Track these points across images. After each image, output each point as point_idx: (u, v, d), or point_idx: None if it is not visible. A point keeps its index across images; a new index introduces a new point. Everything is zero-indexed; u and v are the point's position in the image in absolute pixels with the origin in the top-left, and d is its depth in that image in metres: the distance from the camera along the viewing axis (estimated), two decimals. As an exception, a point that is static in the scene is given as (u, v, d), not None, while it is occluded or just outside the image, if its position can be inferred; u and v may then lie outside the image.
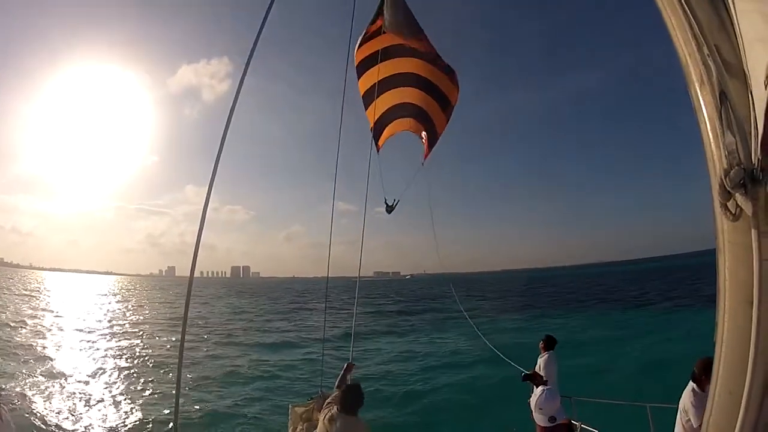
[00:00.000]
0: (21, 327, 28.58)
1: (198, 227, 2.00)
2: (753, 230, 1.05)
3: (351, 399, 3.85)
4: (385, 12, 7.50)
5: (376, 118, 8.73)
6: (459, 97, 8.77)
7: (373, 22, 7.77)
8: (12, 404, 12.00)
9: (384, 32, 7.76)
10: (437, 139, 9.28)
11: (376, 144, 9.31)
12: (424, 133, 9.37)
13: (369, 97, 8.66)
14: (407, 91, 8.65)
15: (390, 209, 9.90)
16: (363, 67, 8.43)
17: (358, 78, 8.58)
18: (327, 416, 3.85)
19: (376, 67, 8.22)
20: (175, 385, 2.48)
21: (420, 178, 10.01)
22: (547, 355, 7.27)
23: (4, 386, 14.24)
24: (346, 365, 5.19)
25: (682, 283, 59.00)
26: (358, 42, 8.06)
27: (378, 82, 8.26)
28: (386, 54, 7.96)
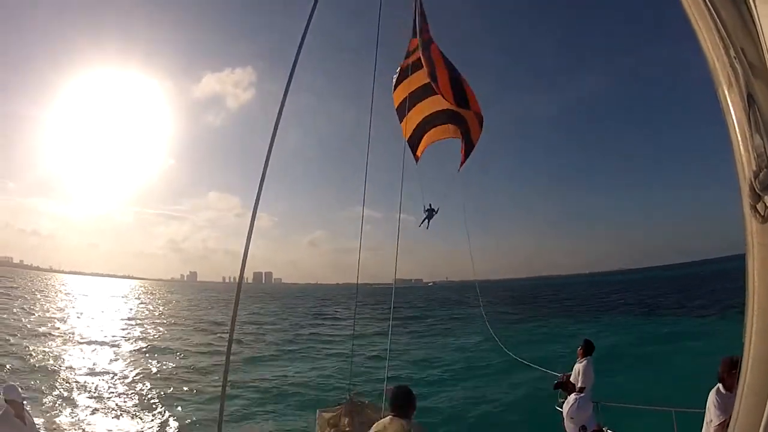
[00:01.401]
0: (48, 335, 28.43)
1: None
2: None
3: (403, 399, 3.67)
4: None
5: (414, 127, 8.80)
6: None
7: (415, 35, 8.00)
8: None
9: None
10: (473, 146, 9.22)
11: (414, 154, 9.39)
12: (462, 140, 9.30)
13: (403, 108, 8.80)
14: (440, 99, 8.59)
15: (429, 218, 9.85)
16: (401, 77, 8.63)
17: (394, 89, 8.78)
18: (382, 422, 3.65)
19: (412, 75, 8.36)
20: (220, 392, 2.56)
21: (446, 186, 10.01)
22: (585, 361, 7.03)
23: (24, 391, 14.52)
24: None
25: (705, 290, 57.32)
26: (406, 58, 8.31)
27: (413, 91, 8.37)
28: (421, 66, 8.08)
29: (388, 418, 3.59)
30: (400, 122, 8.87)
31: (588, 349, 7.17)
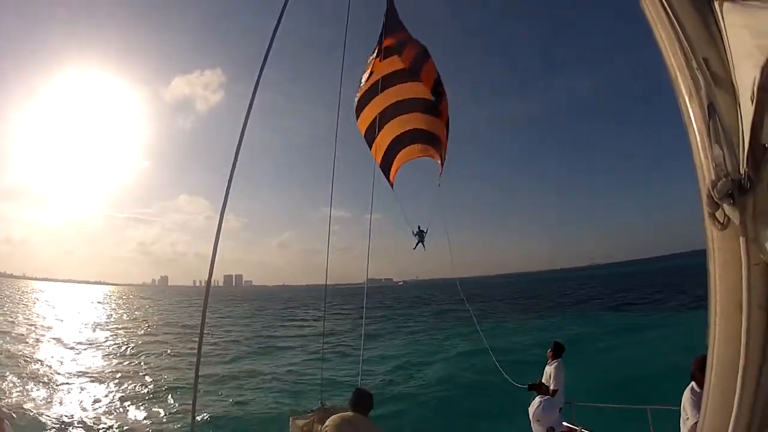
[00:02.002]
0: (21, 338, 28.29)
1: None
2: (741, 237, 1.10)
3: (365, 400, 4.08)
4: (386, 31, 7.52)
5: (383, 152, 8.71)
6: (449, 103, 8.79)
7: (376, 55, 7.70)
8: (13, 416, 11.91)
9: (380, 59, 7.68)
10: (445, 156, 9.23)
11: (388, 179, 9.35)
12: (437, 156, 9.29)
13: (371, 134, 8.70)
14: (407, 118, 8.63)
15: (421, 239, 9.80)
16: (361, 104, 8.45)
17: (357, 117, 8.60)
18: (340, 415, 4.01)
19: (373, 101, 8.26)
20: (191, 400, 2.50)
21: (425, 192, 9.99)
22: (556, 363, 7.15)
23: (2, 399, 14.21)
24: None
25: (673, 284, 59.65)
26: (360, 81, 8.07)
27: (378, 115, 8.25)
28: (385, 83, 7.97)
29: (350, 414, 3.99)
30: (370, 148, 8.80)
31: (558, 351, 7.30)
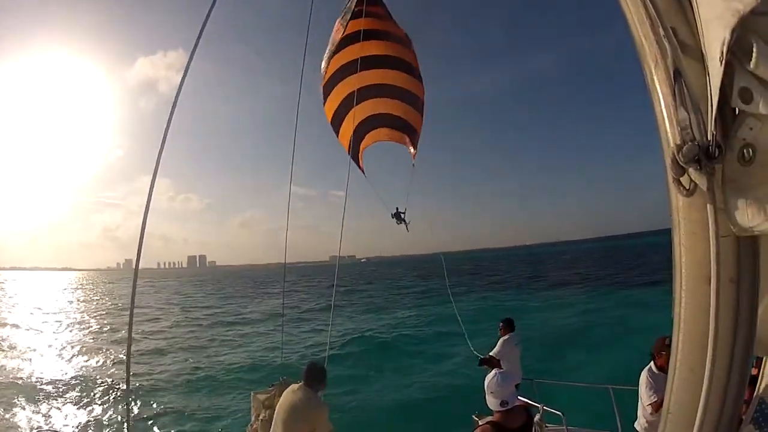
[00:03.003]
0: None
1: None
2: (709, 206, 1.05)
3: (315, 374, 4.03)
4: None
5: (349, 138, 8.52)
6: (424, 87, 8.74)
7: (344, 27, 7.44)
8: None
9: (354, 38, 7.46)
10: (419, 135, 9.15)
11: (358, 165, 9.17)
12: (407, 139, 9.20)
13: (337, 120, 8.50)
14: (377, 102, 8.48)
15: (400, 220, 9.66)
16: (329, 86, 8.22)
17: (324, 101, 8.40)
18: (291, 388, 4.05)
19: (340, 84, 8.03)
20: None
21: (395, 173, 9.92)
22: (507, 337, 7.20)
23: None
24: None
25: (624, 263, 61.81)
26: (326, 57, 7.79)
27: (344, 99, 8.06)
28: (364, 64, 7.56)
29: (297, 385, 4.01)
30: (337, 135, 8.66)
31: (509, 326, 7.35)
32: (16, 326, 29.27)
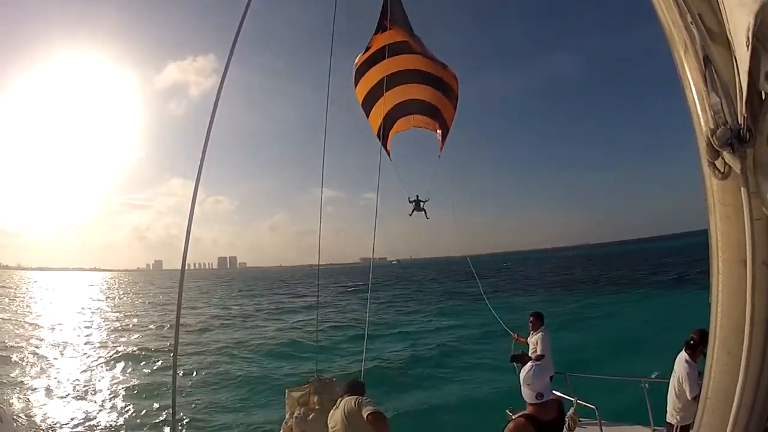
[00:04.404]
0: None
1: (186, 220, 1.99)
2: (743, 189, 1.06)
3: (357, 387, 4.21)
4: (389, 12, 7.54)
5: (380, 122, 8.65)
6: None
7: (376, 32, 7.80)
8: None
9: (386, 30, 7.75)
10: (449, 129, 9.20)
11: (385, 147, 9.19)
12: (438, 129, 9.25)
13: (369, 104, 8.62)
14: (411, 87, 8.55)
15: (418, 208, 9.66)
16: (361, 71, 8.38)
17: (356, 85, 8.53)
18: (345, 400, 4.02)
19: (374, 68, 8.16)
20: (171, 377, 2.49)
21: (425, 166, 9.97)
22: (541, 332, 7.23)
23: None
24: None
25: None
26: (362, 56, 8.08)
27: (377, 83, 8.19)
28: (388, 52, 7.81)
29: (353, 397, 4.02)
30: (367, 116, 8.75)
31: (540, 320, 7.36)
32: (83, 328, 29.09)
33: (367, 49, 7.99)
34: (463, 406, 12.17)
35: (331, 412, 4.15)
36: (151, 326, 29.17)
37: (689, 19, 1.22)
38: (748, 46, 1.00)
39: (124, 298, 60.68)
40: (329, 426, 4.08)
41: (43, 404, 13.33)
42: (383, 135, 8.78)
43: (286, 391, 5.52)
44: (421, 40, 8.27)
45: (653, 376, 6.06)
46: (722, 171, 1.10)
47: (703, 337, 4.44)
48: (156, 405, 13.03)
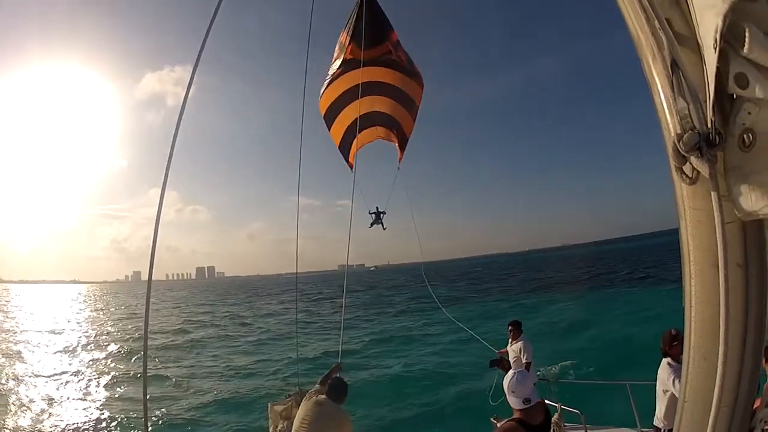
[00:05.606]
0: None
1: (162, 230, 1.93)
2: (713, 193, 1.05)
3: (339, 389, 4.17)
4: (354, 26, 7.51)
5: (342, 134, 8.70)
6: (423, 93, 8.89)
7: (344, 46, 7.77)
8: None
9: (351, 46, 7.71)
10: (407, 140, 9.35)
11: (347, 161, 9.25)
12: (396, 140, 9.38)
13: (331, 115, 8.64)
14: (370, 100, 8.52)
15: (378, 220, 9.81)
16: (327, 84, 8.38)
17: (321, 96, 8.57)
18: (314, 400, 4.09)
19: (337, 80, 8.16)
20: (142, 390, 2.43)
21: (387, 177, 10.09)
22: (522, 341, 7.32)
23: None
24: (334, 365, 5.38)
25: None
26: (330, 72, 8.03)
27: (338, 96, 8.24)
28: (353, 65, 7.82)
29: (322, 397, 4.11)
30: (329, 130, 8.82)
31: (519, 328, 7.46)
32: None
33: (336, 59, 7.98)
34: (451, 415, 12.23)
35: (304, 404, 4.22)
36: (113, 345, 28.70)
37: (657, 24, 1.22)
38: (715, 48, 1.00)
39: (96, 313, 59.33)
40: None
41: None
42: (345, 147, 8.87)
43: (269, 404, 5.51)
44: (396, 34, 8.19)
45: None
46: (690, 176, 1.09)
47: (667, 340, 4.49)
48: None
